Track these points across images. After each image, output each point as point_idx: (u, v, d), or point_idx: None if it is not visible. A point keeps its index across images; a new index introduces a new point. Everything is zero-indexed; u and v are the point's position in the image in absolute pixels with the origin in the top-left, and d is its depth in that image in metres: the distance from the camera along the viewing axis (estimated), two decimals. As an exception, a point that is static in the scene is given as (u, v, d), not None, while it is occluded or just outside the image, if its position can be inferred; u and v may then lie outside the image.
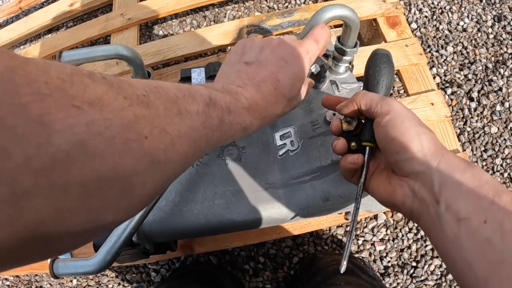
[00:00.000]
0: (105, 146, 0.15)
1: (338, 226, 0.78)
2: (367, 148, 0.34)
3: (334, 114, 0.46)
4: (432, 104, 0.69)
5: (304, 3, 1.01)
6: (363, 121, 0.36)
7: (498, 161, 0.86)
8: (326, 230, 0.77)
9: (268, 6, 1.00)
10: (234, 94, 0.27)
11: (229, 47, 0.80)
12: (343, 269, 0.31)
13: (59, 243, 0.15)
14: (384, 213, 0.79)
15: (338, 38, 0.47)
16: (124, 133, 0.16)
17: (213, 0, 0.85)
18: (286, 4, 1.01)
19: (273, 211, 0.45)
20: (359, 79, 0.52)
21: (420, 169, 0.28)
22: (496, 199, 0.24)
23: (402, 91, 0.91)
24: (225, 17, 1.01)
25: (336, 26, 0.88)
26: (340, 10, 0.41)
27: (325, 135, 0.47)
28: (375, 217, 0.78)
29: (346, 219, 0.61)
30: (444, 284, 0.76)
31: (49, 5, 0.97)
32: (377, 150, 0.34)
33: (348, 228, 0.78)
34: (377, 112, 0.32)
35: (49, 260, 0.45)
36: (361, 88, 0.49)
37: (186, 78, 0.53)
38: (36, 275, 0.80)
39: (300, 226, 0.62)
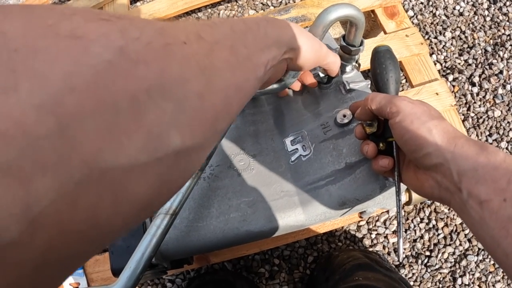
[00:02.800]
0: (146, 51, 0.13)
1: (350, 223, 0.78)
2: (394, 143, 0.36)
3: (344, 116, 0.45)
4: (437, 94, 0.69)
5: (297, -3, 0.99)
6: (383, 118, 0.37)
7: (503, 144, 0.86)
8: (339, 227, 0.77)
9: (261, 3, 0.98)
10: None
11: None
12: (401, 257, 0.34)
13: (130, 182, 0.12)
14: (395, 205, 0.79)
15: (343, 37, 0.46)
16: (161, 37, 0.14)
17: (206, 1, 0.83)
18: (280, 0, 0.99)
19: (290, 219, 0.45)
20: (363, 73, 0.51)
21: (437, 161, 0.29)
22: None
23: (404, 81, 0.90)
24: (218, 17, 0.99)
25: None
26: (345, 10, 0.40)
27: (336, 138, 0.46)
28: (387, 210, 0.78)
29: (361, 217, 0.61)
30: (458, 271, 0.77)
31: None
32: None
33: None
34: (387, 114, 0.33)
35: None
36: (369, 86, 0.49)
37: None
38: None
39: (315, 227, 0.61)
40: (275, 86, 0.43)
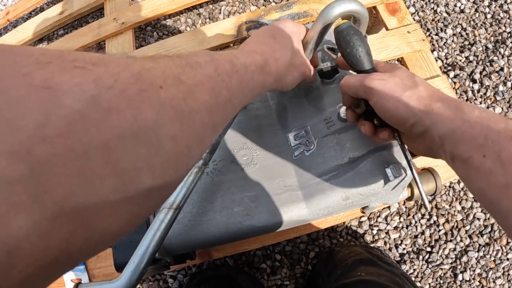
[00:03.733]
0: (119, 99, 0.14)
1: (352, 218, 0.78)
2: None
3: (347, 111, 0.45)
4: (439, 90, 0.69)
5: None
6: None
7: (504, 141, 0.86)
8: (341, 223, 0.77)
9: None
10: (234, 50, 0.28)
11: (231, 45, 0.78)
12: (428, 207, 0.37)
13: (102, 219, 0.13)
14: (396, 202, 0.79)
15: (346, 32, 0.46)
16: (136, 83, 0.15)
17: (207, -2, 0.82)
18: (281, -4, 0.98)
19: (293, 214, 0.45)
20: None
21: (421, 130, 0.31)
22: (488, 133, 0.26)
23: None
24: (220, 13, 0.98)
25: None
26: (349, 5, 0.40)
27: (339, 132, 0.46)
28: (388, 206, 0.79)
29: (363, 212, 0.61)
30: (459, 266, 0.77)
31: (38, 14, 0.93)
32: None
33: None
34: (364, 97, 0.34)
35: (71, 286, 0.45)
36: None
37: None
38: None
39: (317, 222, 0.61)
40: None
